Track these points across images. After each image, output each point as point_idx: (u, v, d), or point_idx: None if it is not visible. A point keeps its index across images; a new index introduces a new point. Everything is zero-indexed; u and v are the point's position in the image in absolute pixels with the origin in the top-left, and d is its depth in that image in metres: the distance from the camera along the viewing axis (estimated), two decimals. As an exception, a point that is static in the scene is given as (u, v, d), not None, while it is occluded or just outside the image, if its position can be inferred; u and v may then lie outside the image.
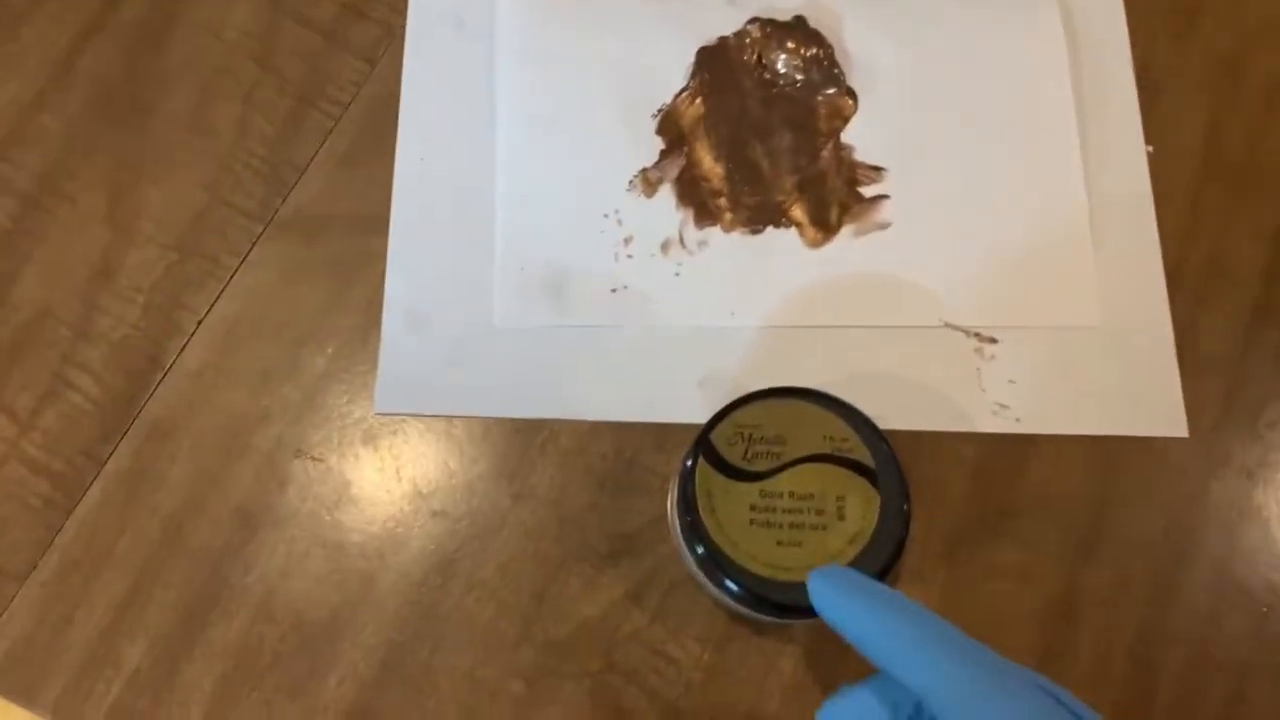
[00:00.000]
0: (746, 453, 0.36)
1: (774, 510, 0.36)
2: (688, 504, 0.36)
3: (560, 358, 0.45)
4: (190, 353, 0.45)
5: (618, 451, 0.44)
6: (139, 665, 0.42)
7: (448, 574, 0.43)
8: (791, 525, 0.35)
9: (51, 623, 0.42)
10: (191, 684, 0.41)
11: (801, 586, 0.31)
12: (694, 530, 0.35)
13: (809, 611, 0.31)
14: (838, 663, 0.41)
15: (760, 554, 0.35)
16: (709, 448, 0.36)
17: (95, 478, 0.44)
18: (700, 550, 0.35)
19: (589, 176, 0.47)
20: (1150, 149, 0.48)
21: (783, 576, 0.35)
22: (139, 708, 0.41)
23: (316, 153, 0.48)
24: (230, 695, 0.41)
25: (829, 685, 0.41)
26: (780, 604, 0.35)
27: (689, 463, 0.36)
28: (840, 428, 0.36)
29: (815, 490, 0.36)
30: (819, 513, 0.35)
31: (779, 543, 0.35)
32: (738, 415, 0.37)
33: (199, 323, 0.46)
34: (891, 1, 0.50)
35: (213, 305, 0.46)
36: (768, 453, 0.36)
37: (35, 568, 0.43)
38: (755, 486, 0.36)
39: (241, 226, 0.47)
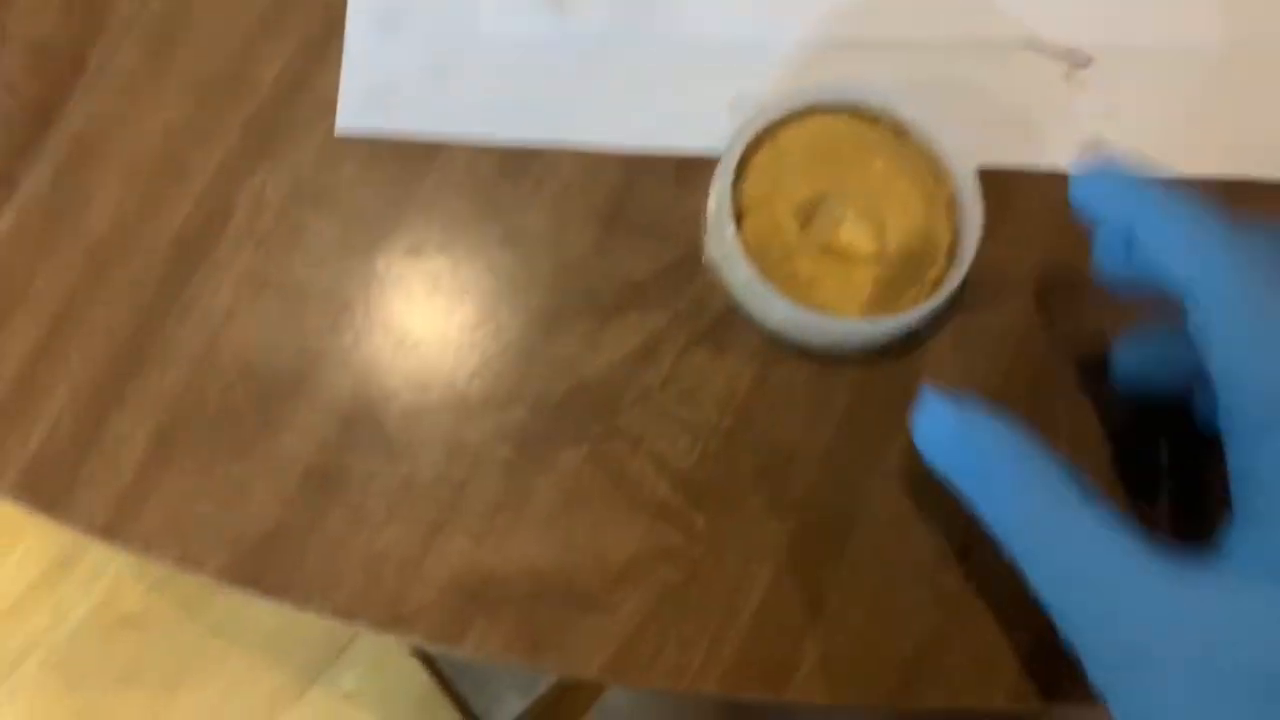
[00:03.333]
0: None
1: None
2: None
3: (560, 71, 0.38)
4: (118, 57, 0.38)
5: (628, 186, 0.37)
6: (59, 416, 0.35)
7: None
8: None
9: (-40, 367, 0.36)
10: (122, 437, 0.35)
11: None
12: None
13: None
14: (880, 420, 0.35)
15: None
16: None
17: (7, 201, 0.37)
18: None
19: None
20: None
21: None
22: (63, 463, 0.35)
23: None
24: (167, 451, 0.35)
25: (868, 447, 0.35)
26: None
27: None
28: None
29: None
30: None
31: None
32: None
33: (128, 21, 0.38)
34: None
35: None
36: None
37: (-60, 305, 0.37)
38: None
39: (177, -98, 0.39)
